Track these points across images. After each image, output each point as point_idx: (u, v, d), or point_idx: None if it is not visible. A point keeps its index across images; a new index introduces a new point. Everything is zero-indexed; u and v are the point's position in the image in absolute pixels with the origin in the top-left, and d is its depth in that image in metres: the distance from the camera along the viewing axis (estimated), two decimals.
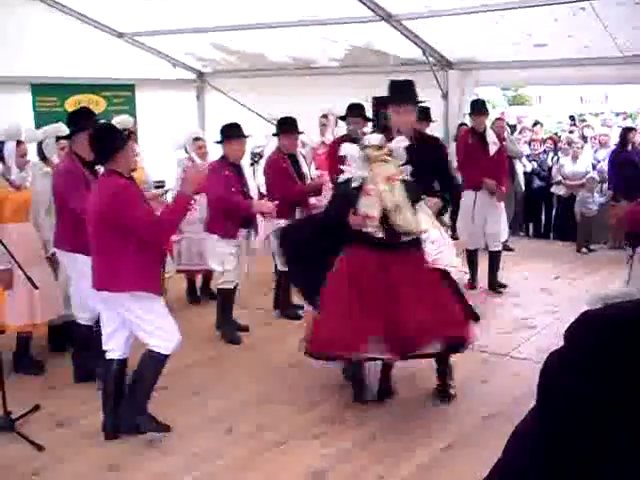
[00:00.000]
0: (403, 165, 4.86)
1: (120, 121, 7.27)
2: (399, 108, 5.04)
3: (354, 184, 4.85)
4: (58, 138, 5.89)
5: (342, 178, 4.97)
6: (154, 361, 4.46)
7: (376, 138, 4.91)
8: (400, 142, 4.90)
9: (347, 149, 5.00)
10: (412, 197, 4.81)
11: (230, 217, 6.38)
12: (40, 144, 6.08)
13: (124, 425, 4.52)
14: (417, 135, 5.21)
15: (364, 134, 5.45)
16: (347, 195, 4.86)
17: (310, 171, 7.91)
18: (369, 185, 4.80)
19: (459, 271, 5.27)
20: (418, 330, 4.57)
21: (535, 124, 13.59)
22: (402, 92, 5.13)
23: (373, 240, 4.80)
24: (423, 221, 4.90)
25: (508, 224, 10.46)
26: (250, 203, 6.54)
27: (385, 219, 4.75)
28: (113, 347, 4.58)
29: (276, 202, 6.52)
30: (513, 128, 12.43)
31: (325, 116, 8.60)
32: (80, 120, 5.19)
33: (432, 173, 5.19)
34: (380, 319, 4.65)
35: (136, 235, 4.25)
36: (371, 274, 4.77)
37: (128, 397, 4.54)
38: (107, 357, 4.61)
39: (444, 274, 4.93)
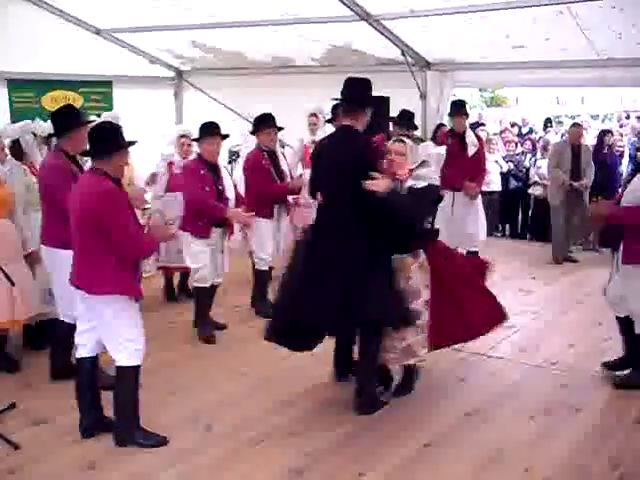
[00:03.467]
0: None
1: (108, 117, 7.21)
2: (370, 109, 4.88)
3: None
4: (49, 136, 5.80)
5: (421, 182, 4.77)
6: (124, 376, 4.37)
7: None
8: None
9: (435, 149, 5.10)
10: None
11: (203, 217, 6.28)
12: (14, 142, 6.02)
13: (129, 441, 4.44)
14: None
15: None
16: (436, 198, 5.05)
17: (297, 169, 7.88)
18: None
19: None
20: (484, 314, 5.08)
21: (513, 125, 13.74)
22: (370, 92, 4.96)
23: (436, 234, 5.18)
24: None
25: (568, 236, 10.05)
26: (224, 208, 6.34)
27: None
28: (83, 343, 4.51)
29: (252, 214, 6.48)
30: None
31: (314, 115, 8.56)
32: (67, 118, 5.14)
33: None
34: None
35: (114, 243, 4.16)
36: (450, 263, 5.17)
37: (115, 415, 4.46)
38: (77, 355, 4.55)
39: None
